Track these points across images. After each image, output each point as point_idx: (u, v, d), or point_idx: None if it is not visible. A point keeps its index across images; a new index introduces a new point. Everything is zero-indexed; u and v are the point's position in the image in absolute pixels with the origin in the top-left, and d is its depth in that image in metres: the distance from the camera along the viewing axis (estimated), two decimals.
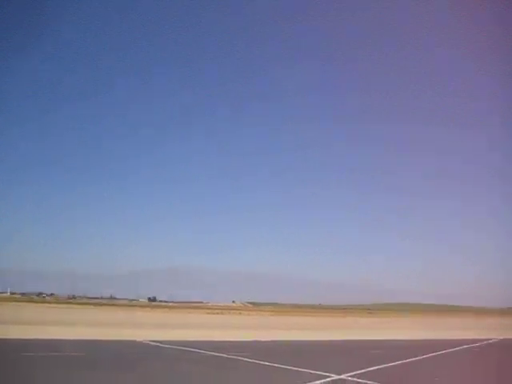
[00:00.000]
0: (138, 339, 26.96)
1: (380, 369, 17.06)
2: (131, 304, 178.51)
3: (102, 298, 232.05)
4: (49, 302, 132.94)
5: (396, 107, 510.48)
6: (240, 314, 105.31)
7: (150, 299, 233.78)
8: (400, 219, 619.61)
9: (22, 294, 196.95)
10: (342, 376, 15.01)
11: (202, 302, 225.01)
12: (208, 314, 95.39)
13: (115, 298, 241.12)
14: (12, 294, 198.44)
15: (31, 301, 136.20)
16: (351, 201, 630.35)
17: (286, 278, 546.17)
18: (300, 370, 16.45)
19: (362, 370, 16.21)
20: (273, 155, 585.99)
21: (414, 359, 20.32)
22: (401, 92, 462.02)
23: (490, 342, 32.97)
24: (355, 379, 14.48)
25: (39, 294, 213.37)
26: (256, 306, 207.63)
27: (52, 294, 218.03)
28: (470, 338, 35.70)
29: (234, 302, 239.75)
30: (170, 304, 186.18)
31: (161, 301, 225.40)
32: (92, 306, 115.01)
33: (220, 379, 15.11)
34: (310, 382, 13.76)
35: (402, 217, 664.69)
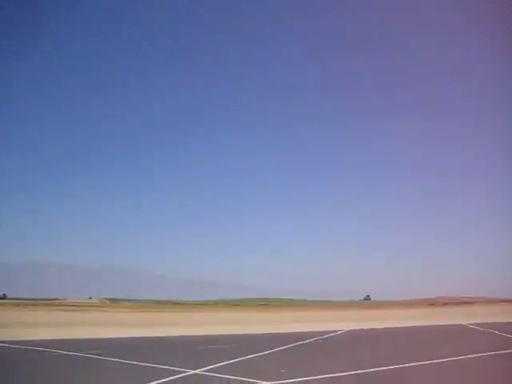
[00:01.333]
0: None
1: (234, 362, 17.89)
2: None
3: None
4: None
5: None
6: (100, 310, 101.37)
7: None
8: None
9: None
10: (197, 371, 15.54)
11: (57, 299, 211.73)
12: (64, 310, 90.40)
13: None
14: None
15: None
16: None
17: (146, 274, 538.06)
18: (155, 366, 16.65)
19: (217, 365, 16.93)
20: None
21: (264, 353, 21.51)
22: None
23: (337, 333, 35.80)
24: (211, 374, 15.08)
25: None
26: (114, 302, 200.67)
27: None
28: (318, 330, 38.59)
29: (91, 298, 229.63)
30: (23, 301, 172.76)
31: (12, 298, 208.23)
32: None
33: (66, 379, 14.80)
34: (165, 377, 14.06)
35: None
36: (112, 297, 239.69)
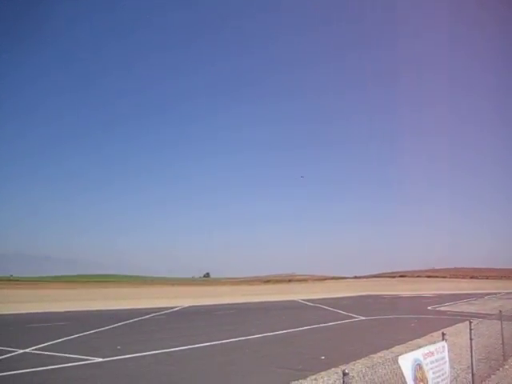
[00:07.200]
0: None
1: (69, 340, 17.79)
2: None
3: None
4: None
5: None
6: None
7: None
8: None
9: None
10: (28, 350, 15.22)
11: None
12: None
13: None
14: None
15: None
16: None
17: None
18: None
19: (49, 343, 16.73)
20: None
21: (102, 329, 21.66)
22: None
23: (176, 309, 36.90)
24: (42, 352, 14.88)
25: None
26: None
27: None
28: (158, 306, 39.42)
29: None
30: None
31: None
32: None
33: None
34: None
35: None
36: None
